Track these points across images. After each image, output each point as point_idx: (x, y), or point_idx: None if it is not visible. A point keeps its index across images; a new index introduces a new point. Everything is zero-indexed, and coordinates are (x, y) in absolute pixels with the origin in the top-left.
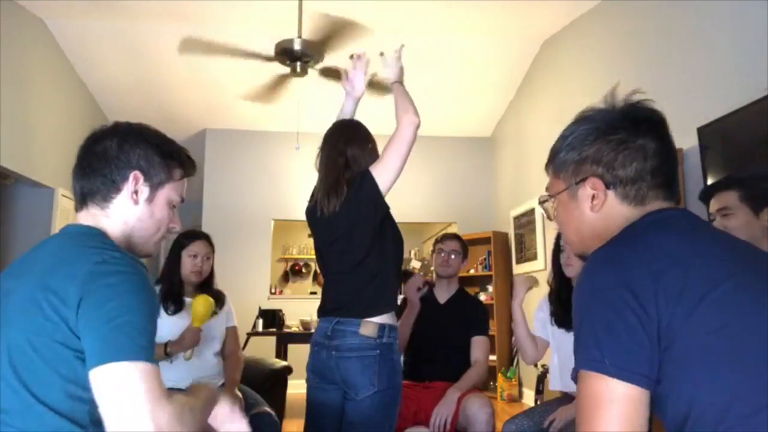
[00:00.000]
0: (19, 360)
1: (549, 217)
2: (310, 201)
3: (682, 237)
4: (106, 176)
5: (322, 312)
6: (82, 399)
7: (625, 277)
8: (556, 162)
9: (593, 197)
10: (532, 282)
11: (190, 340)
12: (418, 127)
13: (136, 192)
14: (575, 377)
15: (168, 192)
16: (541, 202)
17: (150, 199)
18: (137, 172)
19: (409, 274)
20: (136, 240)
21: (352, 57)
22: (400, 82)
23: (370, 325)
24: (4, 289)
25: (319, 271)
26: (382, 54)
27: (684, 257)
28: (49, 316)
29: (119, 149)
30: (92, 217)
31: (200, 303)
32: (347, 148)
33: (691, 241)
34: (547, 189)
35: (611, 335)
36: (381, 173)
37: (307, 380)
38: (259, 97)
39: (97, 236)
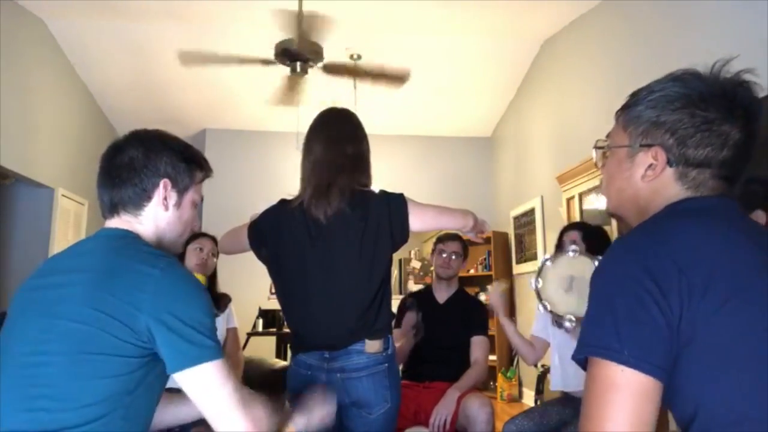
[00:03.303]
0: (76, 339)
1: (596, 164)
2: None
3: (714, 230)
4: (137, 186)
5: (307, 347)
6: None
7: (651, 268)
8: (629, 113)
9: (650, 166)
10: (502, 288)
11: None
12: (461, 227)
13: (166, 198)
14: (582, 362)
15: (192, 195)
16: (597, 147)
17: (178, 204)
18: (166, 180)
19: (405, 309)
20: (167, 242)
21: None
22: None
23: (375, 342)
24: (47, 283)
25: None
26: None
27: (711, 253)
28: (114, 314)
29: (146, 159)
30: (126, 223)
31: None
32: (347, 146)
33: (723, 237)
34: (608, 135)
35: (633, 325)
36: (416, 213)
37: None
38: (282, 100)
39: (140, 241)
